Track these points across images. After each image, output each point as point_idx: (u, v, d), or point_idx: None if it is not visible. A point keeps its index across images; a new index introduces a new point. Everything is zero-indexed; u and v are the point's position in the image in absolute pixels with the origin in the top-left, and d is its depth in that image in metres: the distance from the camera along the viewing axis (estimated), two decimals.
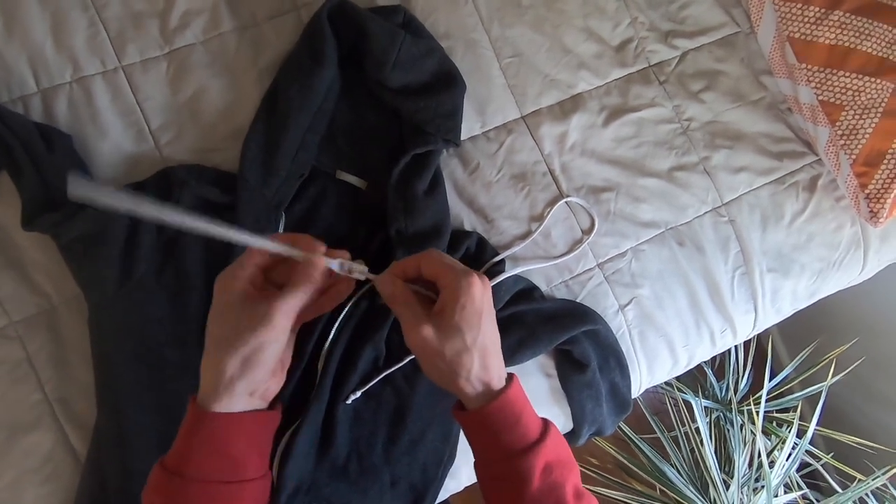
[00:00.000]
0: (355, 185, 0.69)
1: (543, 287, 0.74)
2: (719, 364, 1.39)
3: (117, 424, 0.61)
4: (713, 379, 1.36)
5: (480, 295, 0.44)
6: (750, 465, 1.13)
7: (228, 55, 0.70)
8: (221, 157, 0.69)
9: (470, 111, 0.75)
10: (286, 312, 0.40)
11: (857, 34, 0.75)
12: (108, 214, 0.59)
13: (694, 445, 1.16)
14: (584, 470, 1.26)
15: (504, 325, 0.69)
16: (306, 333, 0.64)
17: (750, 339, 1.36)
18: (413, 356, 0.66)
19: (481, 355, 0.44)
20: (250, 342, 0.39)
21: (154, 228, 0.62)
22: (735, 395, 1.29)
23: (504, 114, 0.76)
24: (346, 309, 0.66)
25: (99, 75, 0.67)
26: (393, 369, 0.66)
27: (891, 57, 0.75)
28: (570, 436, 0.77)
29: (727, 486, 1.10)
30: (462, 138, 0.75)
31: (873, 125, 0.75)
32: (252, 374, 0.40)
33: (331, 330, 0.64)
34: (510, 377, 0.47)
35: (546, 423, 0.47)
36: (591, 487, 1.24)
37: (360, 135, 0.70)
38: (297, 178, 0.66)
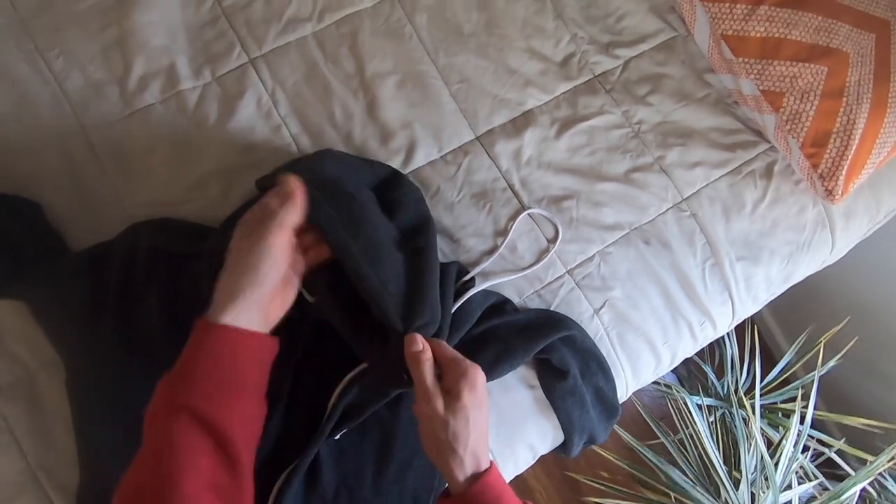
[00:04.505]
0: (305, 296, 0.65)
1: (516, 299, 0.75)
2: (719, 362, 1.38)
3: (100, 485, 0.61)
4: (713, 377, 1.35)
5: (483, 385, 0.51)
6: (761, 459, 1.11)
7: (187, 111, 0.73)
8: (187, 208, 0.70)
9: (426, 138, 0.78)
10: (278, 227, 0.48)
11: (785, 25, 0.79)
12: (70, 276, 0.60)
13: (700, 447, 1.14)
14: (596, 484, 1.24)
15: (479, 340, 0.69)
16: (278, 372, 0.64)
17: (744, 333, 1.36)
18: (397, 392, 0.65)
19: (477, 435, 0.50)
20: (253, 252, 0.47)
21: (119, 283, 0.63)
22: (736, 391, 1.27)
23: (459, 137, 0.79)
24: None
25: (63, 142, 0.70)
26: (381, 403, 0.65)
27: (820, 43, 0.78)
28: (563, 448, 0.76)
29: (737, 484, 1.07)
30: (420, 164, 0.77)
31: (814, 107, 0.78)
32: (257, 282, 0.47)
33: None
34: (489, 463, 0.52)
35: None
36: (604, 501, 1.21)
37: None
38: None
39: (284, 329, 0.63)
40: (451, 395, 0.50)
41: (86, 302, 0.62)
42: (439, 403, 0.49)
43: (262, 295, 0.47)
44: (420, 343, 0.52)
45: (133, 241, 0.65)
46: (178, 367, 0.45)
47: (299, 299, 0.64)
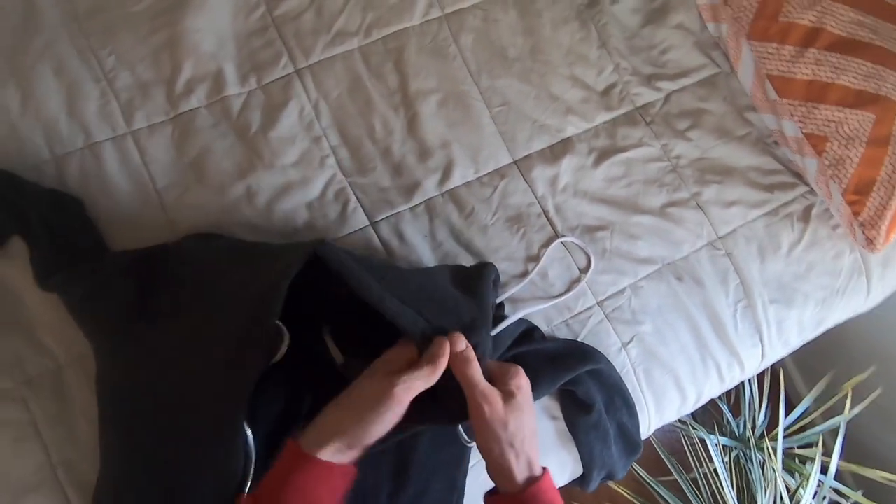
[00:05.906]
0: (333, 355, 0.64)
1: (544, 327, 0.74)
2: (735, 400, 1.35)
3: (114, 488, 0.60)
4: (730, 416, 1.32)
5: (528, 386, 0.52)
6: None
7: (231, 117, 0.73)
8: (229, 218, 0.70)
9: (464, 158, 0.78)
10: (410, 390, 0.48)
11: (834, 69, 0.78)
12: (114, 274, 0.61)
13: (714, 487, 1.11)
14: None
15: None
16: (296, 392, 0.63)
17: (764, 373, 1.33)
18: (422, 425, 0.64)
19: (530, 436, 0.50)
20: (378, 406, 0.47)
21: (164, 287, 0.63)
22: (753, 431, 1.24)
23: (496, 159, 0.79)
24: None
25: (109, 141, 0.70)
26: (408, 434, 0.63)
27: (868, 89, 0.77)
28: (581, 481, 0.75)
29: None
30: (457, 184, 0.77)
31: (859, 154, 0.77)
32: (366, 433, 0.47)
33: None
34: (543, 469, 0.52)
35: None
36: None
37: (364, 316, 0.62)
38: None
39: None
40: (505, 395, 0.50)
41: (126, 302, 0.61)
42: (500, 401, 0.49)
43: (364, 443, 0.48)
44: (464, 342, 0.52)
45: (185, 248, 0.65)
46: (265, 492, 0.46)
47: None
